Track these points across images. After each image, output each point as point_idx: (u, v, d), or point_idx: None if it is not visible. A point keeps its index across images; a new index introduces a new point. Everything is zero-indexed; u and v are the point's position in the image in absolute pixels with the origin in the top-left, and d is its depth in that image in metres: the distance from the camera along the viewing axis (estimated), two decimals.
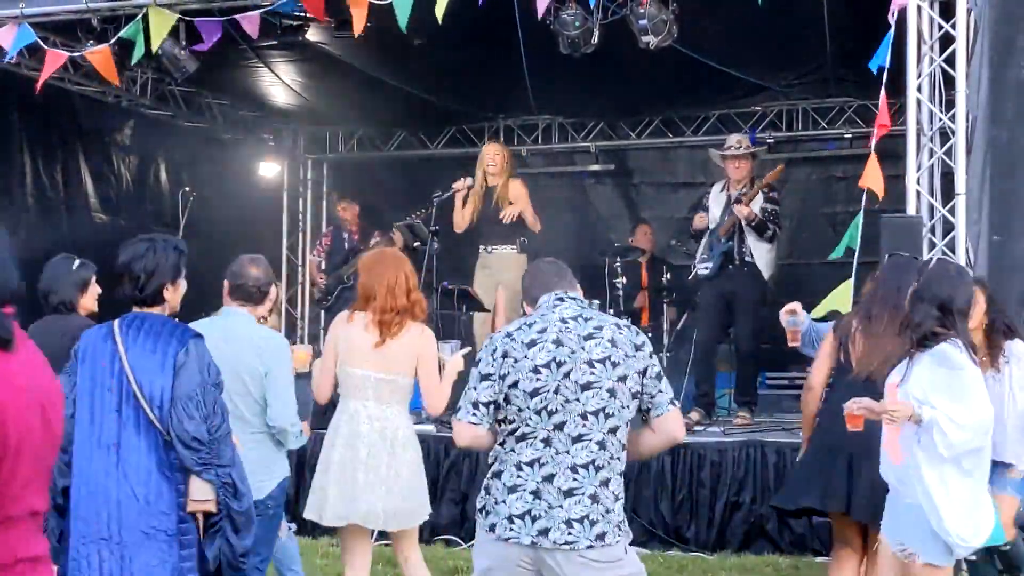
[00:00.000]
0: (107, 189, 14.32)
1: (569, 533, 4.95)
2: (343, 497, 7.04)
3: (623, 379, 5.02)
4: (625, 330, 5.16)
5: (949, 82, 9.17)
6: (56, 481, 5.51)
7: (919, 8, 9.14)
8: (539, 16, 9.92)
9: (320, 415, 10.72)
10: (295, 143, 17.09)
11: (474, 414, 5.13)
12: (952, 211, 9.02)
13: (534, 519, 4.97)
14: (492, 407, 5.12)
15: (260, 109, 15.72)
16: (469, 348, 8.28)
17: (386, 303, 7.09)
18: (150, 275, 5.72)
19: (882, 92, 9.01)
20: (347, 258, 14.35)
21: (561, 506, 4.96)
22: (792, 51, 12.20)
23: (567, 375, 5.01)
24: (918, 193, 9.11)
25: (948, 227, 9.11)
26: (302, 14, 10.91)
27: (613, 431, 5.02)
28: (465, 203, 12.35)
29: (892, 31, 8.97)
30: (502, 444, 5.13)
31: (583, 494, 4.97)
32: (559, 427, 5.00)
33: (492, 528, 5.05)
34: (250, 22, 10.55)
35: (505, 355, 5.11)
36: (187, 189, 13.80)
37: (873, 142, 9.14)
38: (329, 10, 10.70)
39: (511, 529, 5.00)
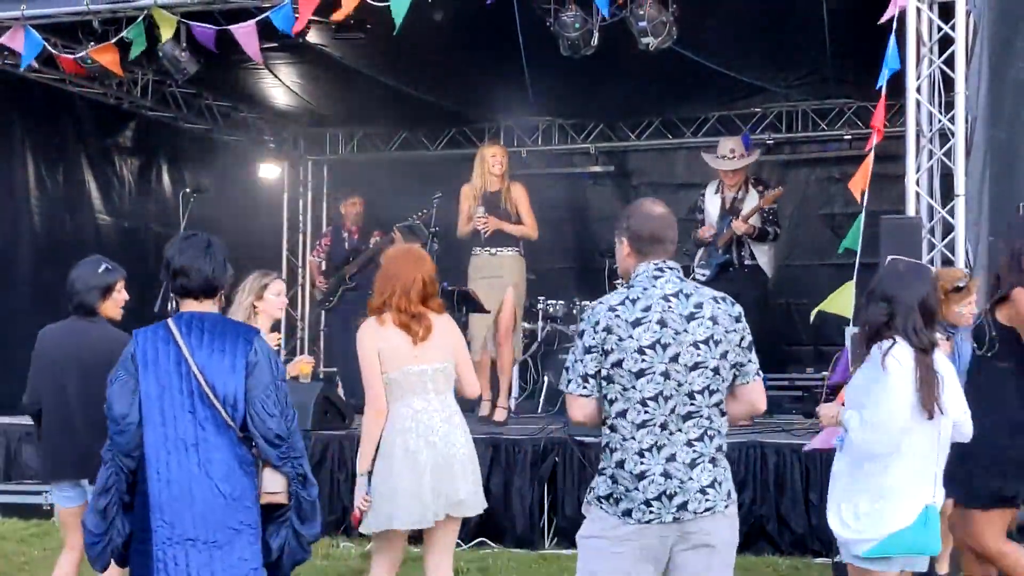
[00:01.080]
0: (109, 191, 14.36)
1: (707, 500, 5.08)
2: (435, 494, 6.99)
3: (725, 355, 5.08)
4: (723, 303, 5.17)
5: (948, 84, 9.20)
6: (121, 484, 5.60)
7: (918, 10, 9.16)
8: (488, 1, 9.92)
9: (321, 417, 10.78)
10: (295, 145, 17.12)
11: (584, 386, 5.15)
12: (952, 212, 9.05)
13: (670, 496, 5.06)
14: (599, 379, 5.12)
15: (261, 111, 15.77)
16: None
17: (401, 307, 7.12)
18: (214, 273, 5.77)
19: (882, 95, 9.03)
20: (348, 258, 14.37)
21: (691, 478, 5.06)
22: (791, 52, 12.22)
23: (675, 358, 5.04)
24: (917, 194, 9.13)
25: (948, 228, 9.14)
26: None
27: (718, 404, 5.11)
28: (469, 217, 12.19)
29: (893, 35, 8.99)
30: (612, 428, 5.12)
31: (705, 461, 5.07)
32: (673, 410, 5.06)
33: (627, 513, 5.10)
34: (246, 36, 10.59)
35: (608, 330, 5.09)
36: (188, 190, 13.80)
37: (872, 144, 9.15)
38: (327, 12, 10.74)
39: (651, 512, 5.07)
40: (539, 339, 13.41)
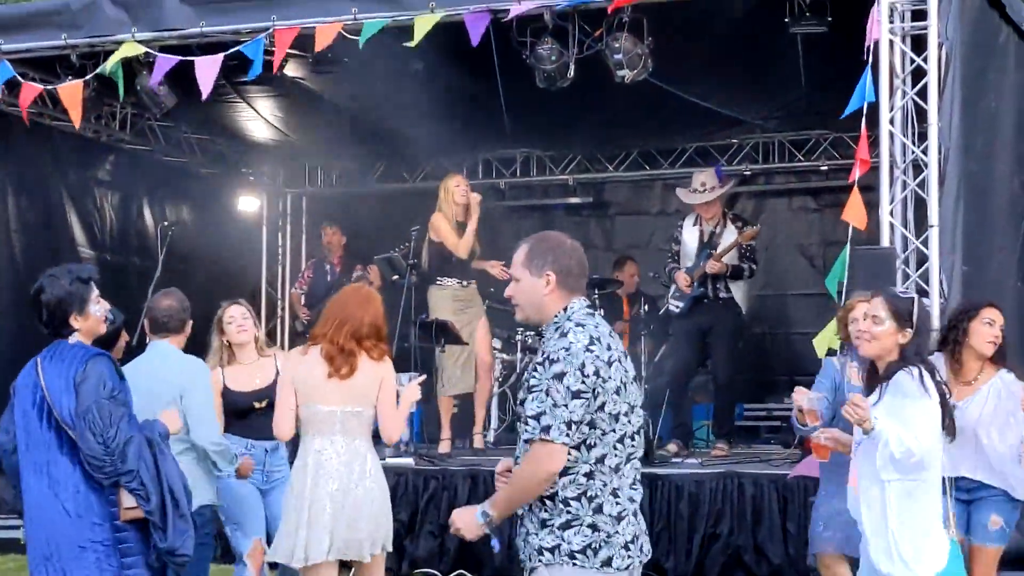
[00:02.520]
0: (91, 225, 14.33)
1: (647, 544, 5.10)
2: (324, 532, 7.02)
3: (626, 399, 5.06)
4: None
5: (921, 115, 9.25)
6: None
7: (891, 42, 9.23)
8: (474, 43, 9.97)
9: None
10: (274, 177, 17.12)
11: (568, 435, 4.83)
12: (926, 243, 9.09)
13: (637, 538, 5.02)
14: (579, 428, 4.87)
15: (239, 144, 15.76)
16: (424, 376, 8.38)
17: (333, 340, 7.13)
18: (53, 307, 5.95)
19: (862, 127, 9.09)
20: (330, 291, 14.37)
21: (641, 520, 5.08)
22: (767, 84, 12.28)
23: (629, 398, 4.99)
24: (892, 225, 9.18)
25: (922, 258, 9.17)
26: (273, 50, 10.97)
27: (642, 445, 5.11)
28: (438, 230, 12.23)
29: (869, 68, 9.05)
30: (589, 476, 4.91)
31: (638, 505, 5.08)
32: (625, 449, 5.00)
33: (607, 563, 4.90)
34: (206, 69, 10.62)
35: (597, 374, 4.87)
36: (166, 223, 13.82)
37: (856, 176, 9.19)
38: (303, 46, 10.79)
39: (629, 556, 4.94)
40: (518, 371, 13.42)
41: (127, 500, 5.77)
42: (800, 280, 14.65)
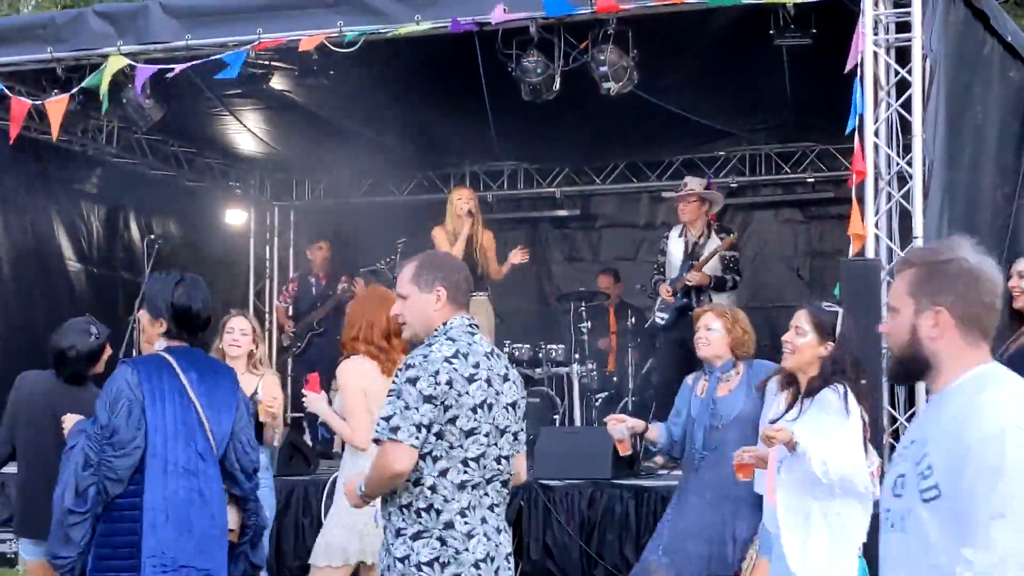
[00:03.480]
0: (78, 237, 14.32)
1: (508, 569, 5.04)
2: (352, 540, 7.21)
3: (520, 420, 5.07)
4: (514, 369, 5.15)
5: (906, 127, 9.26)
6: (98, 510, 5.67)
7: (875, 54, 9.25)
8: (455, 30, 9.98)
9: (286, 462, 10.77)
10: (262, 190, 17.12)
11: (417, 437, 4.88)
12: None
13: (492, 559, 4.97)
14: (428, 432, 4.90)
15: (226, 157, 15.78)
16: None
17: (369, 340, 7.25)
18: (208, 313, 6.05)
19: (856, 138, 9.09)
20: (315, 304, 14.41)
21: (500, 543, 5.00)
22: (753, 97, 12.31)
23: (495, 420, 4.96)
24: (876, 236, 9.18)
25: None
26: (265, 63, 10.97)
27: (510, 472, 5.07)
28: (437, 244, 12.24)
29: (859, 79, 9.06)
30: (432, 488, 4.93)
31: (503, 529, 5.04)
32: (484, 470, 4.97)
33: None
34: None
35: (450, 384, 4.91)
36: (153, 236, 13.82)
37: (854, 186, 9.18)
38: (290, 57, 10.80)
39: (483, 570, 4.95)
40: None
41: (232, 520, 5.88)
42: (787, 292, 14.64)
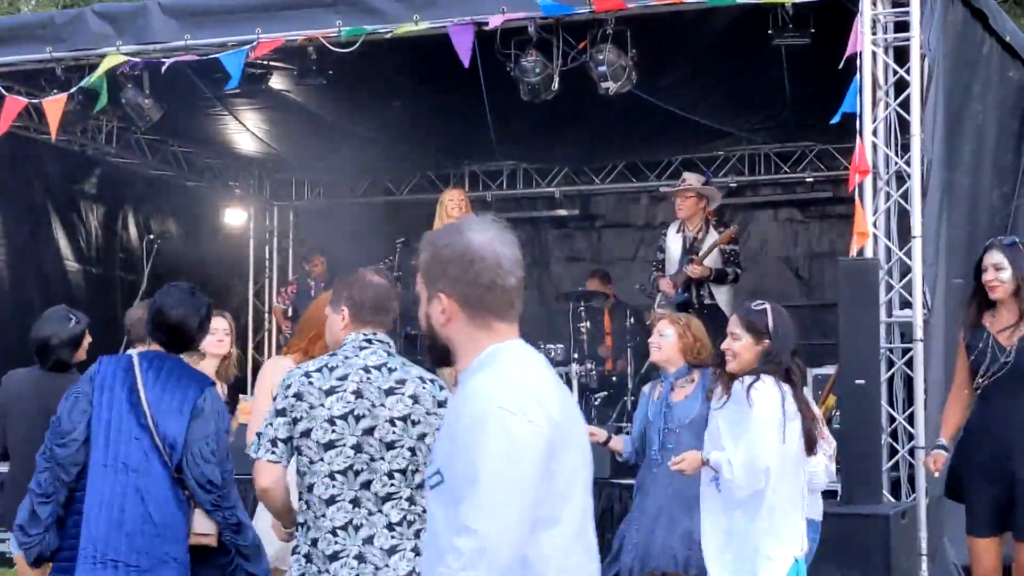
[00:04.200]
0: (76, 238, 14.32)
1: None
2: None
3: (422, 437, 4.87)
4: (429, 384, 4.93)
5: (904, 126, 9.26)
6: (59, 496, 5.73)
7: (874, 54, 9.25)
8: (465, 64, 9.99)
9: None
10: (261, 190, 17.12)
11: (273, 451, 4.90)
12: (909, 253, 9.10)
13: None
14: (289, 445, 4.91)
15: (226, 157, 15.78)
16: None
17: (308, 352, 7.09)
18: (200, 330, 5.99)
19: (857, 138, 9.09)
20: None
21: (387, 565, 4.82)
22: (752, 96, 12.31)
23: (369, 431, 4.84)
24: (874, 236, 9.18)
25: (905, 269, 9.18)
26: (264, 63, 10.97)
27: (420, 487, 4.84)
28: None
29: (858, 77, 9.07)
30: (307, 504, 4.90)
31: (405, 550, 4.84)
32: (365, 486, 4.83)
33: None
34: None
35: (299, 397, 4.90)
36: (152, 236, 13.82)
37: (855, 185, 9.17)
38: (290, 57, 10.81)
39: None
40: None
41: (201, 526, 5.80)
42: (786, 291, 14.64)
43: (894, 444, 9.02)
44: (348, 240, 15.56)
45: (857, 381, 8.63)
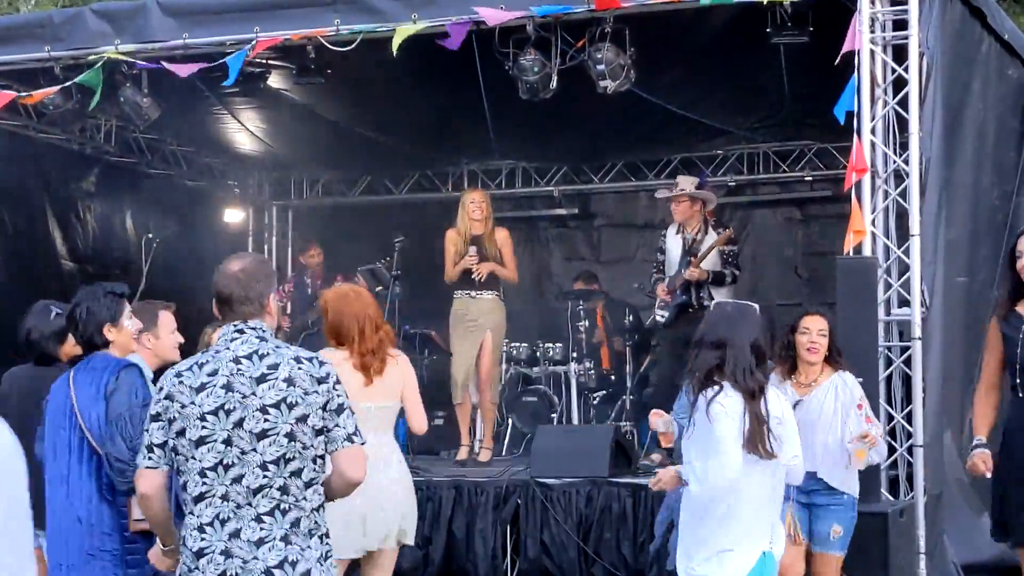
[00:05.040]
0: (74, 237, 14.30)
1: None
2: (353, 529, 7.20)
3: (303, 419, 4.79)
4: (306, 363, 4.86)
5: (902, 124, 9.26)
6: None
7: (872, 52, 9.25)
8: (455, 46, 9.99)
9: None
10: (260, 189, 17.12)
11: (150, 458, 4.91)
12: (907, 252, 9.10)
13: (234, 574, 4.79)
14: (168, 449, 4.88)
15: (225, 156, 15.76)
16: None
17: (363, 347, 7.26)
18: (86, 321, 6.16)
19: (854, 136, 9.09)
20: (310, 304, 14.41)
21: (256, 558, 4.75)
22: (750, 95, 12.32)
23: (239, 424, 4.77)
24: (873, 235, 9.18)
25: (903, 268, 9.19)
26: (263, 62, 10.97)
27: (297, 473, 4.79)
28: (456, 260, 12.20)
29: (856, 76, 9.07)
30: (184, 502, 4.88)
31: (275, 539, 4.76)
32: (237, 480, 4.76)
33: None
34: (184, 68, 10.63)
35: (171, 398, 4.86)
36: (151, 235, 13.81)
37: (852, 184, 9.17)
38: (289, 56, 10.80)
39: None
40: (503, 382, 13.45)
41: (138, 512, 5.85)
42: (786, 290, 14.65)
43: (892, 442, 9.01)
44: (347, 239, 15.59)
45: (856, 379, 8.63)
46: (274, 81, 11.73)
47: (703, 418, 6.13)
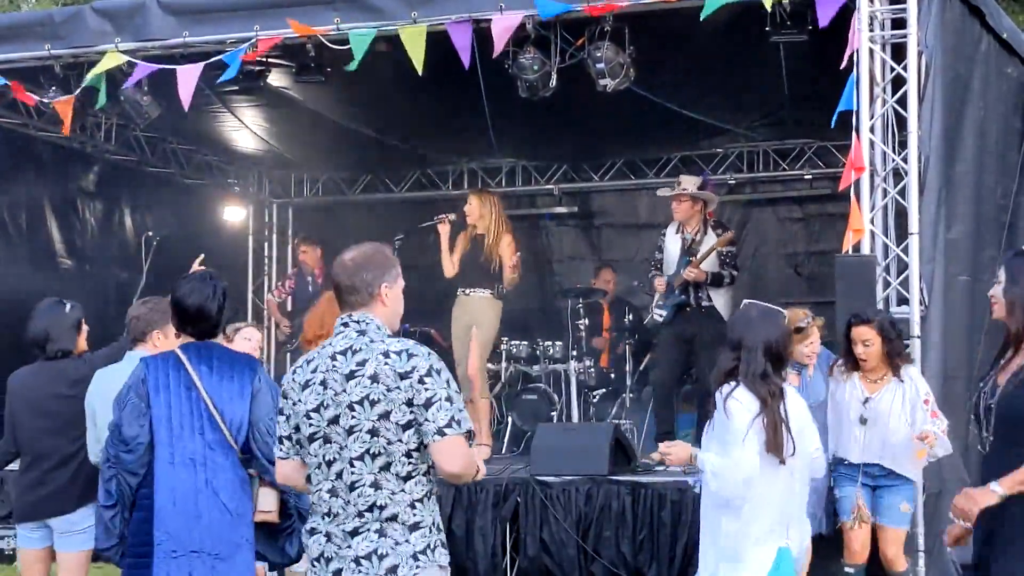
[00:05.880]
0: (72, 235, 14.31)
1: (359, 570, 4.89)
2: None
3: (386, 415, 4.84)
4: (392, 358, 4.85)
5: (901, 123, 9.27)
6: (125, 500, 6.00)
7: (871, 51, 9.25)
8: (466, 64, 10.03)
9: None
10: (260, 188, 17.13)
11: (281, 448, 5.12)
12: (906, 250, 9.11)
13: (328, 560, 4.96)
14: (292, 441, 5.05)
15: (225, 154, 15.78)
16: None
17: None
18: (221, 310, 6.13)
19: (853, 135, 9.09)
20: (310, 301, 14.39)
21: (350, 546, 4.90)
22: (750, 94, 12.32)
23: (335, 420, 4.90)
24: (872, 233, 9.19)
25: (902, 266, 9.19)
26: (263, 60, 10.97)
27: (386, 468, 4.87)
28: (452, 248, 12.27)
29: (855, 75, 9.07)
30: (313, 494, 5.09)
31: (368, 531, 4.88)
32: (339, 476, 4.91)
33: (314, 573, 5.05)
34: (187, 78, 10.63)
35: (286, 395, 5.05)
36: (150, 233, 13.81)
37: (851, 182, 9.17)
38: (289, 54, 10.81)
39: (314, 572, 5.00)
40: (503, 380, 13.45)
41: (266, 503, 6.06)
42: (786, 289, 14.65)
43: None
44: (346, 237, 15.48)
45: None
46: (274, 79, 11.74)
47: (721, 414, 6.21)
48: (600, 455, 10.38)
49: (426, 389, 4.84)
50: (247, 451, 5.95)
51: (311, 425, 4.93)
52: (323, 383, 4.91)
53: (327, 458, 4.91)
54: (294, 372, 5.04)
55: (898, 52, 9.32)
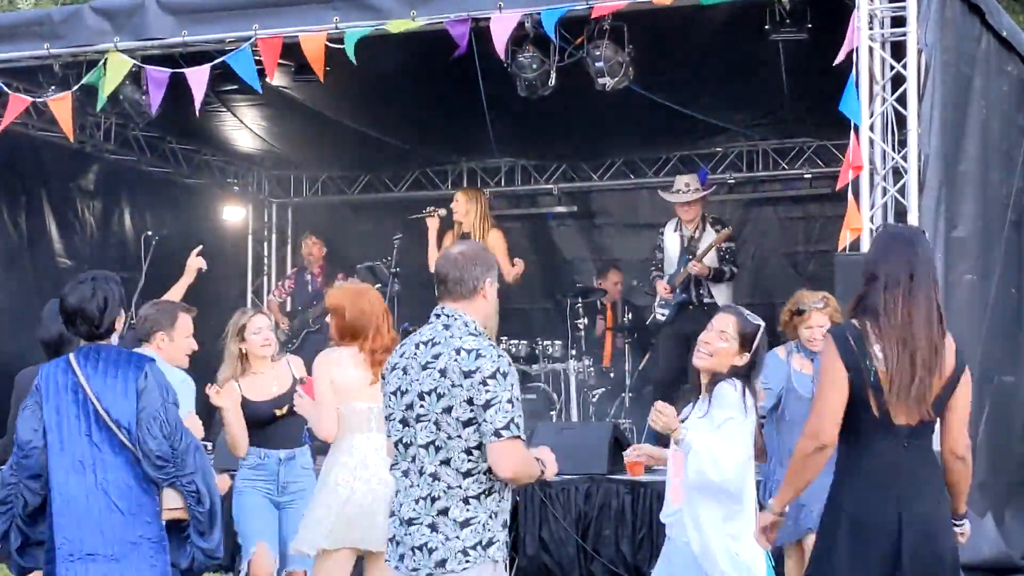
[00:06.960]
0: (71, 235, 14.30)
1: (414, 559, 5.06)
2: (357, 524, 7.18)
3: (448, 410, 5.01)
4: (462, 356, 5.02)
5: (901, 121, 9.25)
6: (17, 506, 6.05)
7: (871, 49, 9.24)
8: (462, 49, 10.01)
9: None
10: (259, 187, 17.11)
11: (386, 428, 5.32)
12: None
13: (397, 543, 5.16)
14: (391, 421, 5.25)
15: (224, 154, 15.77)
16: None
17: (377, 344, 7.28)
18: (103, 312, 6.07)
19: (852, 133, 9.08)
20: (311, 301, 14.41)
21: (408, 534, 5.08)
22: (749, 92, 12.29)
23: (410, 407, 5.11)
24: (871, 231, 9.18)
25: None
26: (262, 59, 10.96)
27: (446, 462, 5.03)
28: (440, 244, 12.30)
29: (854, 73, 9.06)
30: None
31: (421, 523, 5.05)
32: (413, 459, 5.11)
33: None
34: (197, 80, 10.62)
35: (383, 377, 5.34)
36: (150, 232, 13.79)
37: (849, 180, 9.16)
38: (287, 55, 10.79)
39: (388, 552, 5.24)
40: None
41: (171, 501, 6.04)
42: (786, 288, 14.55)
43: None
44: (346, 237, 15.58)
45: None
46: (273, 79, 11.72)
47: (735, 406, 6.21)
48: (599, 454, 10.38)
49: (487, 391, 4.97)
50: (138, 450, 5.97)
51: (389, 407, 5.22)
52: (404, 369, 5.15)
53: (404, 441, 5.14)
54: (392, 355, 5.30)
55: (897, 50, 9.31)
